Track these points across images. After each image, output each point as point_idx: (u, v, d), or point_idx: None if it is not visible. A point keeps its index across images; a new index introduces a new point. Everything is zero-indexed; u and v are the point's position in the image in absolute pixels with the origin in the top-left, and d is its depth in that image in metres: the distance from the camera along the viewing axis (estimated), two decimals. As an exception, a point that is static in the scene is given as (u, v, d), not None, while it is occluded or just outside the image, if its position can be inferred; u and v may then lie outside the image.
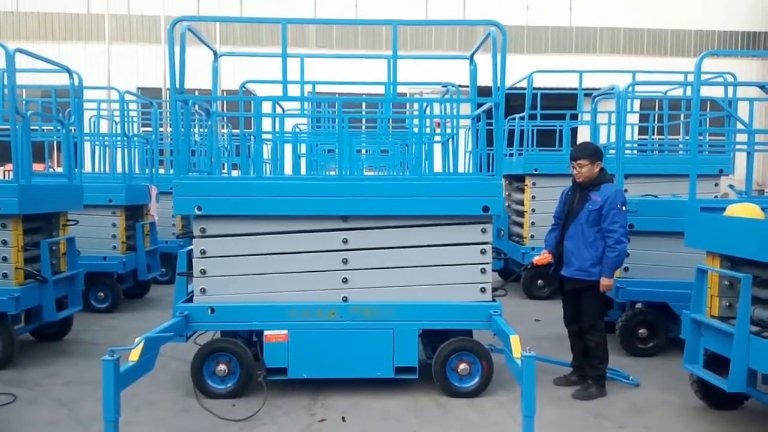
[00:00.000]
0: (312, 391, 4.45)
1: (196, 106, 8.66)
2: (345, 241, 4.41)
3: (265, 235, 4.41)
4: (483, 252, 4.44)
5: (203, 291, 4.38)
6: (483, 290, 4.45)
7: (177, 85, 4.36)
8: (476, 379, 4.40)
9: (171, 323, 4.17)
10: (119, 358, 3.30)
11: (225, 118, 14.98)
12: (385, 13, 19.40)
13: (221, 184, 4.46)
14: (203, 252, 4.38)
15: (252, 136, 7.45)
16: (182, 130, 4.58)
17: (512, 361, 3.59)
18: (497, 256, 5.03)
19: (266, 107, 7.84)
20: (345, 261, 4.41)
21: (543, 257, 4.69)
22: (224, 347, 4.36)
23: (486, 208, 4.36)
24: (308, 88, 8.32)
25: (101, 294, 7.06)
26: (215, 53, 5.27)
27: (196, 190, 4.34)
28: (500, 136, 4.51)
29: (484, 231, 4.44)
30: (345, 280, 4.41)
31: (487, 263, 4.46)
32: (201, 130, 10.91)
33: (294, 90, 7.06)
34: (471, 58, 5.15)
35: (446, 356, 4.38)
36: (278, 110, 7.08)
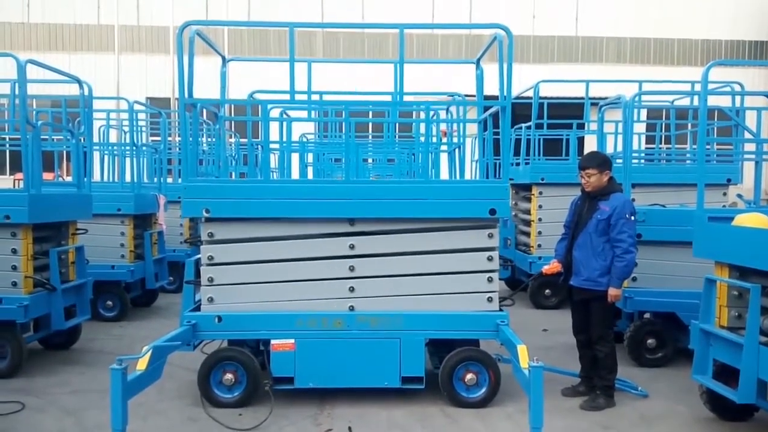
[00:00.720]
0: (318, 401, 4.44)
1: (204, 115, 8.70)
2: (352, 247, 4.41)
3: (273, 242, 4.42)
4: (490, 259, 4.43)
5: (211, 300, 4.40)
6: (490, 299, 4.44)
7: (186, 89, 4.39)
8: (483, 390, 4.38)
9: (178, 332, 4.18)
10: (127, 366, 3.31)
11: (232, 127, 15.07)
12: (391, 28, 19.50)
13: (229, 186, 4.48)
14: (211, 258, 4.40)
15: (259, 146, 7.50)
16: (190, 134, 4.61)
17: (520, 371, 3.57)
18: (504, 263, 5.02)
19: (273, 113, 7.90)
20: (352, 268, 4.41)
21: (552, 266, 4.68)
22: (231, 356, 4.36)
23: (493, 211, 4.35)
24: (315, 97, 8.36)
25: (109, 302, 7.08)
26: (224, 58, 5.32)
27: (204, 193, 4.36)
28: (507, 140, 4.50)
29: (490, 236, 4.43)
30: (352, 289, 4.41)
31: (494, 271, 4.46)
32: (209, 139, 10.97)
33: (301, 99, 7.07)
34: (477, 62, 5.17)
35: (453, 366, 4.37)
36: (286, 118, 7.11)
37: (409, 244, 4.45)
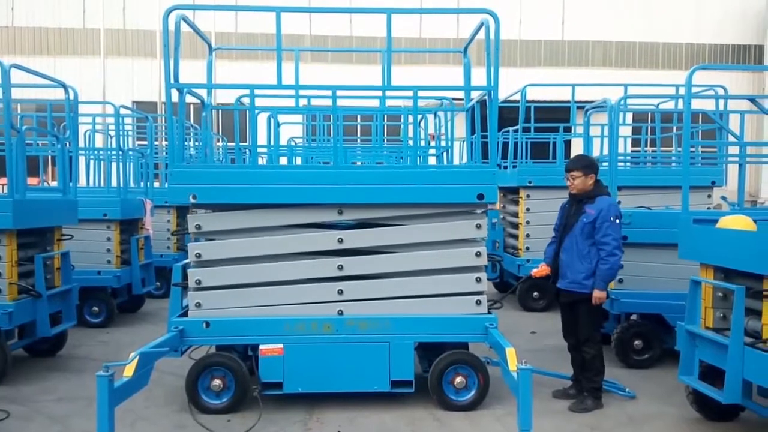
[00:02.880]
0: (307, 406, 4.43)
1: (192, 119, 8.63)
2: (340, 241, 4.39)
3: (261, 237, 4.39)
4: (478, 255, 4.42)
5: (198, 305, 4.37)
6: (478, 302, 4.44)
7: (171, 73, 4.33)
8: (472, 393, 4.39)
9: (166, 338, 4.16)
10: (114, 373, 3.28)
11: (220, 131, 14.95)
12: (379, 31, 19.52)
13: (217, 172, 4.44)
14: (198, 256, 4.36)
15: (247, 150, 7.48)
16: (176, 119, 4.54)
17: (508, 374, 3.59)
18: (492, 259, 5.01)
19: (262, 115, 7.87)
20: (340, 267, 4.39)
21: (541, 269, 4.71)
22: (219, 362, 4.34)
23: (480, 196, 4.35)
24: (303, 100, 8.36)
25: (95, 308, 7.02)
26: (210, 46, 5.29)
27: (191, 179, 4.32)
28: (494, 124, 4.45)
29: (478, 227, 4.43)
30: (340, 292, 4.40)
31: (482, 269, 4.45)
32: (196, 143, 10.92)
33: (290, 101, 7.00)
34: (465, 51, 5.20)
35: (442, 369, 4.37)
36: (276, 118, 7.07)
37: (397, 236, 4.43)
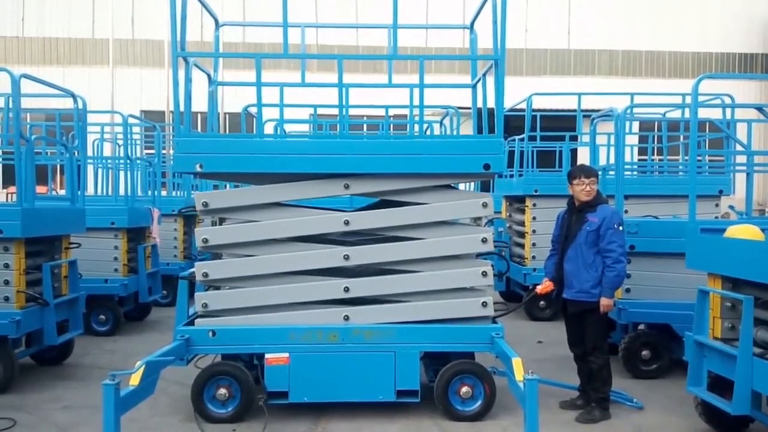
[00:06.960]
0: (313, 415, 4.42)
1: (199, 127, 8.66)
2: (347, 223, 4.38)
3: (267, 222, 4.38)
4: (484, 241, 4.39)
5: (205, 306, 4.36)
6: (485, 305, 4.41)
7: (178, 44, 4.30)
8: (479, 403, 4.36)
9: (172, 347, 4.16)
10: (120, 382, 3.29)
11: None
12: (385, 40, 19.62)
13: (223, 141, 4.44)
14: (206, 241, 4.36)
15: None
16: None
17: (514, 384, 3.57)
18: (499, 253, 4.97)
19: (268, 125, 7.91)
20: (347, 257, 4.37)
21: (545, 286, 4.66)
22: (225, 371, 4.34)
23: (487, 166, 4.31)
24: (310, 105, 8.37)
25: (102, 317, 7.04)
26: (216, 22, 5.31)
27: (197, 147, 4.31)
28: (500, 95, 4.42)
29: (485, 205, 4.42)
30: (347, 289, 4.37)
31: (488, 263, 4.43)
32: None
33: (296, 113, 7.00)
34: (471, 26, 5.21)
35: (448, 379, 4.35)
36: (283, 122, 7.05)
37: (400, 217, 4.41)
